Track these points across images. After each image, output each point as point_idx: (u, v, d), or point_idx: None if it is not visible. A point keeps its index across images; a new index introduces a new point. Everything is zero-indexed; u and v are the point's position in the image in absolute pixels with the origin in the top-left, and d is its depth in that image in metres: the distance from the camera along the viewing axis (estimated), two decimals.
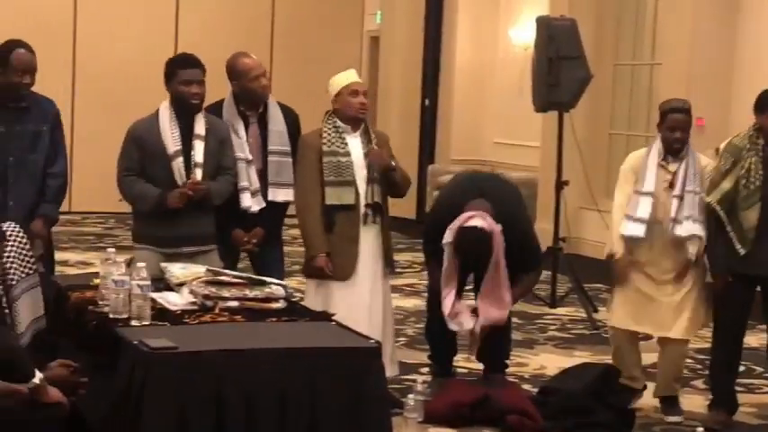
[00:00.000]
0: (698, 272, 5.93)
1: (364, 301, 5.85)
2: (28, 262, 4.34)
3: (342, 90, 5.86)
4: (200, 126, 5.67)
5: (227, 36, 13.67)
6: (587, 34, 9.86)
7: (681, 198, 5.85)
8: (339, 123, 5.87)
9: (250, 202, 5.92)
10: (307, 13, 14.27)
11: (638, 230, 5.88)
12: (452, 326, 5.93)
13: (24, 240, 4.37)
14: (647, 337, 6.33)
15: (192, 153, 5.64)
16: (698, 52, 10.12)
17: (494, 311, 5.91)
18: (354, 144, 5.88)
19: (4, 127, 5.68)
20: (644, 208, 5.88)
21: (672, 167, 5.92)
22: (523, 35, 12.94)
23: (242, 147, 5.94)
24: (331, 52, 13.70)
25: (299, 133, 6.10)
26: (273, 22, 14.35)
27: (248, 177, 5.94)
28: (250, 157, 5.95)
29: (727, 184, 5.71)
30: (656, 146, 5.97)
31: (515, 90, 12.77)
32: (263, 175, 6.01)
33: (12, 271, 4.30)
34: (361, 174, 5.86)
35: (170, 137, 5.62)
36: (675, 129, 5.89)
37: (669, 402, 6.05)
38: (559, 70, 8.82)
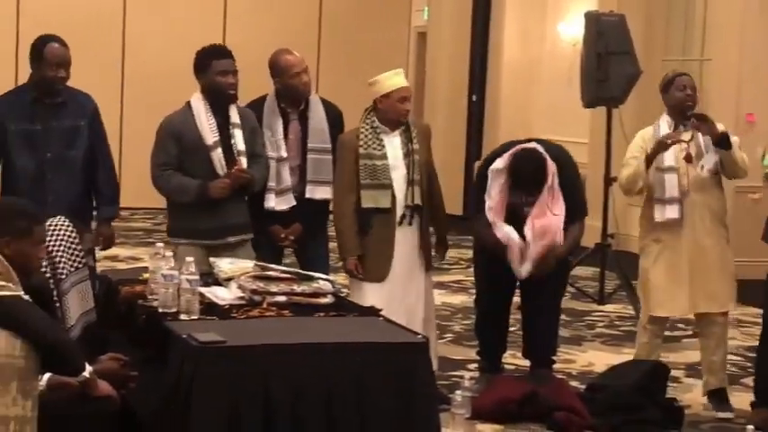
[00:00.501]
0: (724, 235, 5.90)
1: (399, 301, 5.80)
2: (77, 256, 4.39)
3: (392, 93, 5.80)
4: (234, 115, 5.71)
5: (275, 34, 13.68)
6: (636, 30, 9.80)
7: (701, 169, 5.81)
8: (377, 123, 5.82)
9: (274, 203, 5.95)
10: (354, 9, 14.28)
11: (674, 212, 5.82)
12: (513, 249, 5.84)
13: (73, 234, 4.42)
14: (695, 335, 6.29)
15: (233, 142, 5.67)
16: (748, 48, 10.02)
17: (548, 227, 5.85)
18: (393, 144, 5.83)
19: (40, 124, 5.71)
20: (671, 186, 5.80)
21: (685, 136, 5.82)
22: (572, 30, 12.87)
23: (275, 145, 5.94)
24: (378, 48, 13.71)
25: (342, 130, 6.10)
26: (321, 19, 14.38)
27: (277, 177, 5.94)
28: (284, 155, 5.95)
29: None
30: (665, 119, 5.91)
31: (564, 86, 12.70)
32: (301, 171, 6.02)
33: (61, 265, 4.35)
34: (399, 174, 5.82)
35: (207, 128, 5.63)
36: (685, 87, 5.84)
37: (719, 397, 5.99)
38: (608, 66, 8.78)
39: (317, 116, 6.06)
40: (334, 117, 6.13)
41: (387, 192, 5.79)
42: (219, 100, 5.66)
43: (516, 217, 5.89)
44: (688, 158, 5.81)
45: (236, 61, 5.73)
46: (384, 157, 5.79)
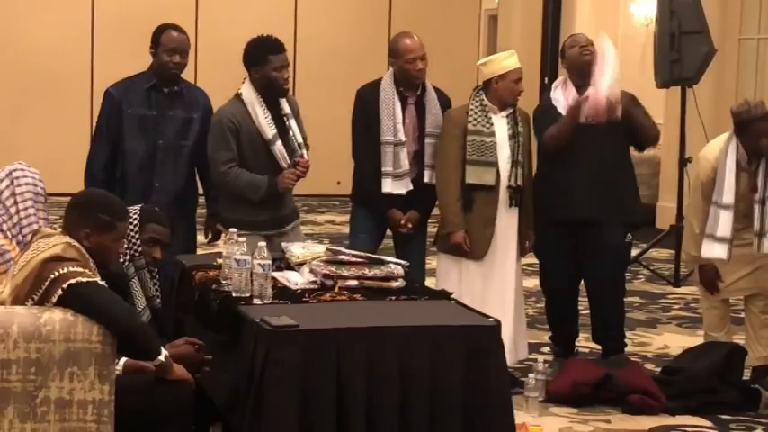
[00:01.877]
0: None
1: (496, 282, 5.86)
2: (134, 243, 4.44)
3: (509, 74, 5.84)
4: (285, 106, 5.71)
5: (345, 20, 13.77)
6: (710, 8, 9.66)
7: (763, 203, 5.61)
8: (486, 102, 5.85)
9: (390, 188, 5.95)
10: None
11: (722, 252, 5.67)
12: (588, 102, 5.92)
13: (134, 222, 4.47)
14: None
15: (291, 134, 5.67)
16: None
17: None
18: (500, 125, 5.86)
19: (156, 110, 5.80)
20: (724, 225, 5.64)
21: (754, 167, 5.67)
22: (645, 10, 12.74)
23: (393, 129, 5.92)
24: (449, 32, 13.68)
25: None
26: (392, 4, 14.38)
27: (393, 161, 5.93)
28: (402, 140, 5.94)
29: None
30: (733, 151, 5.67)
31: (637, 66, 12.58)
32: (418, 157, 6.01)
33: (122, 253, 4.41)
34: (504, 155, 5.83)
35: (265, 122, 5.61)
36: (762, 137, 5.58)
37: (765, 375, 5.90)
38: (682, 45, 8.68)
39: (434, 102, 6.05)
40: (445, 104, 6.11)
41: (492, 170, 5.80)
42: (273, 94, 5.66)
43: None
44: (754, 189, 5.67)
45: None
46: (492, 134, 5.82)
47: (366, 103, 6.00)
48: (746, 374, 5.99)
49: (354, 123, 6.09)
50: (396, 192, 5.95)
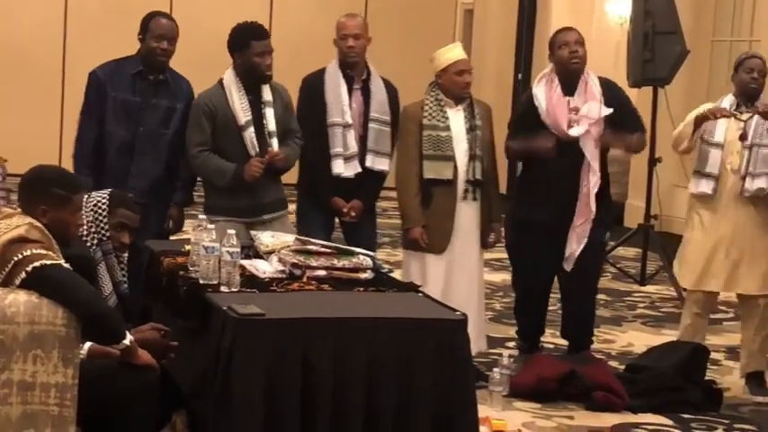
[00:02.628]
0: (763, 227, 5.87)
1: (458, 275, 5.88)
2: (102, 228, 4.42)
3: (448, 67, 5.85)
4: (267, 93, 5.70)
5: (321, 11, 13.71)
6: (685, 9, 9.71)
7: (750, 149, 5.78)
8: (442, 96, 5.87)
9: (342, 169, 5.96)
10: None
11: (708, 187, 5.86)
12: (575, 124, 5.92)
13: (103, 207, 4.44)
14: (737, 318, 6.26)
15: (265, 122, 5.67)
16: None
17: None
18: (456, 118, 5.87)
19: (140, 97, 5.78)
20: (713, 161, 5.83)
21: (744, 116, 5.82)
22: (620, 9, 12.79)
23: (341, 111, 5.95)
24: (425, 26, 13.68)
25: (398, 108, 6.12)
26: None
27: (343, 143, 5.95)
28: (349, 122, 5.96)
29: None
30: (728, 98, 5.91)
31: (610, 65, 12.60)
32: (362, 141, 6.03)
33: (90, 236, 4.40)
34: (461, 148, 5.85)
35: (239, 107, 5.63)
36: (753, 70, 5.84)
37: (756, 381, 5.97)
38: (655, 45, 8.72)
39: (379, 88, 6.08)
40: (392, 94, 6.13)
41: (449, 164, 5.82)
42: (254, 80, 5.66)
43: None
44: (743, 137, 5.80)
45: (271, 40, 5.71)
46: (448, 129, 5.83)
47: (312, 88, 6.04)
48: (710, 374, 6.04)
49: (299, 109, 6.06)
50: (346, 174, 5.96)
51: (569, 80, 5.94)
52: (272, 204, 5.78)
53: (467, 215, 5.92)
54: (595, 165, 5.88)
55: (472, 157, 5.86)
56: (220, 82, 5.72)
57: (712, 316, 6.50)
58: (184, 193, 5.97)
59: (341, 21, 6.07)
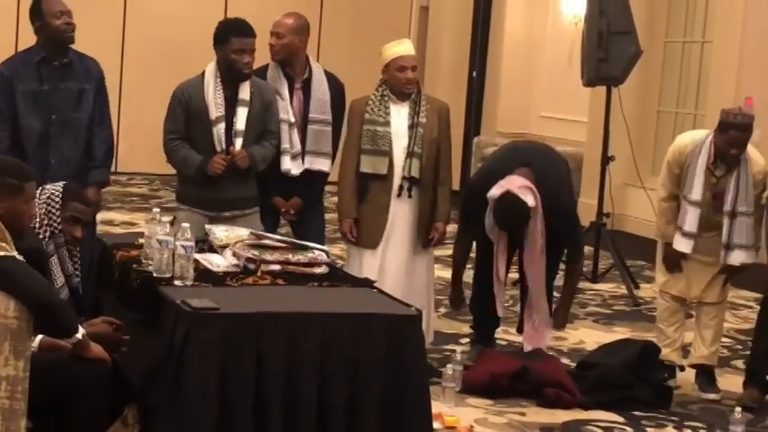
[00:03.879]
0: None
1: (390, 271, 5.86)
2: (54, 221, 4.39)
3: (390, 63, 5.85)
4: (244, 91, 5.66)
5: (278, 7, 13.64)
6: (639, 10, 9.78)
7: (733, 216, 5.78)
8: (387, 92, 5.87)
9: (290, 165, 5.96)
10: None
11: (687, 247, 5.87)
12: (500, 311, 6.02)
13: (56, 199, 4.40)
14: (691, 316, 6.32)
15: (234, 120, 5.64)
16: (750, 31, 10.00)
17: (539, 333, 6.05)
18: (399, 114, 5.87)
19: (47, 84, 5.72)
20: (691, 221, 5.83)
21: (718, 173, 5.82)
22: (574, 8, 12.85)
23: (285, 109, 5.95)
24: (380, 22, 13.67)
25: (344, 103, 6.11)
26: None
27: (290, 140, 5.96)
28: (293, 120, 5.97)
29: None
30: (707, 147, 5.82)
31: (564, 64, 12.69)
32: (302, 142, 6.03)
33: (43, 228, 4.36)
34: (400, 144, 5.85)
35: (213, 102, 5.60)
36: (734, 146, 5.73)
37: (706, 378, 6.02)
38: (609, 45, 8.76)
39: (320, 87, 6.06)
40: (337, 90, 6.12)
41: (384, 159, 5.82)
42: (231, 76, 5.64)
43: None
44: (715, 198, 5.82)
45: (256, 38, 5.65)
46: (387, 124, 5.83)
47: None
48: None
49: None
50: (294, 171, 5.96)
51: None
52: (236, 201, 5.70)
53: (401, 212, 5.90)
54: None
55: (410, 154, 5.85)
56: (203, 73, 5.70)
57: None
58: (101, 173, 5.89)
59: (276, 19, 6.07)
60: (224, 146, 5.61)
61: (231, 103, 5.63)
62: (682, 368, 6.13)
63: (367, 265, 5.86)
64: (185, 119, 5.63)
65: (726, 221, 5.79)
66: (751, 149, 5.85)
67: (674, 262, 5.98)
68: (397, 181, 5.86)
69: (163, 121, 5.73)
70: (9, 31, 12.16)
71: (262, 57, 5.93)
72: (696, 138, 5.95)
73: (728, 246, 5.80)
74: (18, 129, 5.71)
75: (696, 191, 5.81)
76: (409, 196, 5.88)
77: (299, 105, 6.03)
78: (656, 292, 6.29)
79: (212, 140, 5.61)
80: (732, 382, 6.16)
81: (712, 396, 5.96)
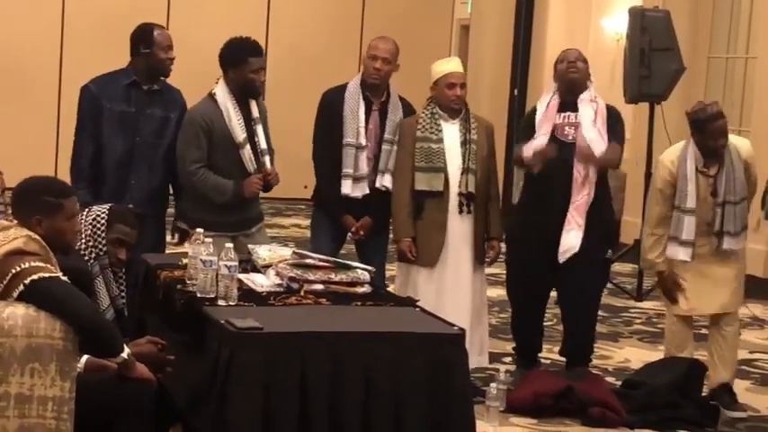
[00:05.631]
0: (739, 260, 5.94)
1: (449, 289, 5.86)
2: (99, 242, 4.41)
3: (439, 80, 5.88)
4: (255, 110, 5.73)
5: (318, 25, 13.74)
6: (681, 26, 9.74)
7: (723, 206, 5.78)
8: (437, 110, 5.88)
9: (350, 189, 5.97)
10: (397, 1, 14.28)
11: (686, 255, 5.84)
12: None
13: (101, 221, 4.44)
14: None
15: (257, 139, 5.70)
16: None
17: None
18: (451, 131, 5.88)
19: (135, 107, 5.79)
20: (688, 229, 5.80)
21: (712, 171, 5.81)
22: (616, 25, 12.81)
23: (355, 132, 5.95)
24: (421, 40, 13.69)
25: None
26: (364, 11, 14.39)
27: (354, 164, 5.95)
28: (363, 143, 5.97)
29: None
30: (691, 157, 5.83)
31: (607, 81, 12.63)
32: (375, 162, 6.03)
33: (89, 250, 4.39)
34: (455, 161, 5.85)
35: (237, 124, 5.65)
36: (718, 137, 5.75)
37: (728, 397, 5.95)
38: (652, 62, 8.74)
39: (395, 108, 6.07)
40: (408, 113, 6.13)
41: (440, 175, 5.82)
42: (247, 96, 5.67)
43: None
44: (714, 194, 5.80)
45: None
46: (440, 141, 5.84)
47: (331, 104, 6.04)
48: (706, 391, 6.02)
49: (317, 124, 6.11)
50: (354, 194, 5.97)
51: (569, 95, 5.95)
52: (255, 218, 5.89)
53: (459, 229, 5.90)
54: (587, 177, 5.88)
55: (465, 171, 5.85)
56: (211, 96, 5.71)
57: (698, 331, 6.48)
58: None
59: (373, 41, 6.07)
60: (255, 166, 5.65)
61: (248, 122, 5.67)
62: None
63: (424, 283, 5.85)
64: (208, 145, 5.64)
65: (718, 211, 5.78)
66: (732, 137, 5.85)
67: (672, 282, 5.92)
68: (453, 197, 5.86)
69: (180, 150, 5.71)
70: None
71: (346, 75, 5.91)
72: (675, 152, 5.94)
73: (720, 233, 5.79)
74: (101, 147, 5.78)
75: (690, 199, 5.79)
76: (468, 212, 5.87)
77: (375, 127, 6.02)
78: (667, 316, 6.22)
79: (239, 163, 5.66)
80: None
81: (739, 414, 5.89)
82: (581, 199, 5.88)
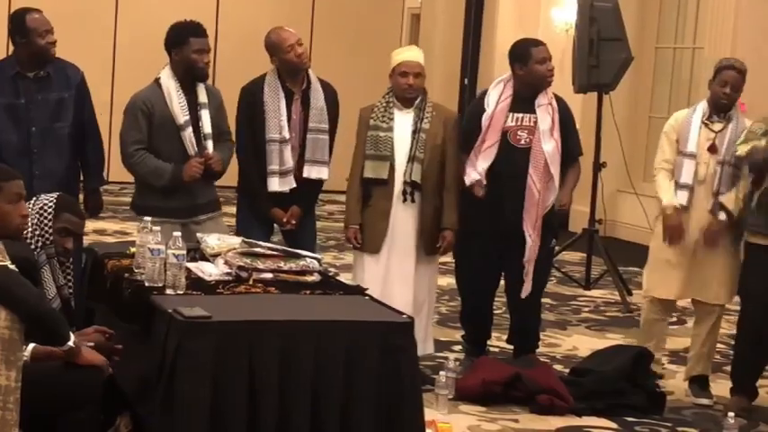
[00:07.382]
0: (729, 240, 5.92)
1: (393, 276, 5.88)
2: (46, 232, 4.38)
3: (394, 68, 5.90)
4: (202, 94, 5.70)
5: (269, 13, 13.66)
6: (629, 16, 9.80)
7: (722, 166, 5.84)
8: (392, 99, 5.89)
9: (277, 186, 5.94)
10: None
11: (682, 198, 5.90)
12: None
13: (48, 210, 4.40)
14: (678, 321, 6.33)
15: (201, 123, 5.66)
16: (740, 37, 10.02)
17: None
18: (404, 120, 5.88)
19: (24, 98, 5.70)
20: (687, 172, 5.88)
21: (716, 127, 5.90)
22: (565, 15, 12.88)
23: (278, 126, 5.92)
24: (371, 29, 13.70)
25: (338, 110, 6.12)
26: (315, 0, 14.34)
27: (279, 159, 5.92)
28: (286, 137, 5.93)
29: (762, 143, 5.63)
30: (702, 105, 5.96)
31: (556, 71, 12.67)
32: (301, 152, 6.01)
33: (35, 239, 4.36)
34: (402, 150, 5.85)
35: (178, 107, 5.62)
36: (726, 84, 5.87)
37: (699, 384, 6.03)
38: (600, 52, 8.78)
39: (318, 96, 6.04)
40: (331, 97, 6.11)
41: (385, 164, 5.84)
42: (191, 78, 5.65)
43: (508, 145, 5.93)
44: (712, 149, 5.86)
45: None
46: (390, 129, 5.85)
47: (250, 99, 5.98)
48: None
49: (239, 121, 6.03)
50: (281, 189, 5.95)
51: (530, 95, 5.96)
52: (206, 205, 5.80)
53: (403, 217, 5.90)
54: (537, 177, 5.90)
55: (411, 159, 5.85)
56: (157, 81, 5.69)
57: None
58: (98, 178, 5.96)
59: (279, 34, 5.97)
60: (196, 149, 5.62)
61: (192, 106, 5.64)
62: (661, 376, 6.14)
63: (370, 270, 5.88)
64: (149, 128, 5.62)
65: (718, 170, 5.84)
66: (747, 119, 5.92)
67: (676, 225, 5.90)
68: (398, 186, 5.86)
69: (121, 133, 5.69)
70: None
71: (258, 68, 5.90)
72: (689, 110, 6.06)
73: (717, 193, 5.85)
74: None
75: (691, 143, 5.87)
76: (412, 201, 5.88)
77: (298, 116, 5.99)
78: (643, 298, 6.27)
79: (180, 146, 5.62)
80: (724, 387, 6.14)
81: (705, 401, 5.96)
82: (533, 209, 5.90)
